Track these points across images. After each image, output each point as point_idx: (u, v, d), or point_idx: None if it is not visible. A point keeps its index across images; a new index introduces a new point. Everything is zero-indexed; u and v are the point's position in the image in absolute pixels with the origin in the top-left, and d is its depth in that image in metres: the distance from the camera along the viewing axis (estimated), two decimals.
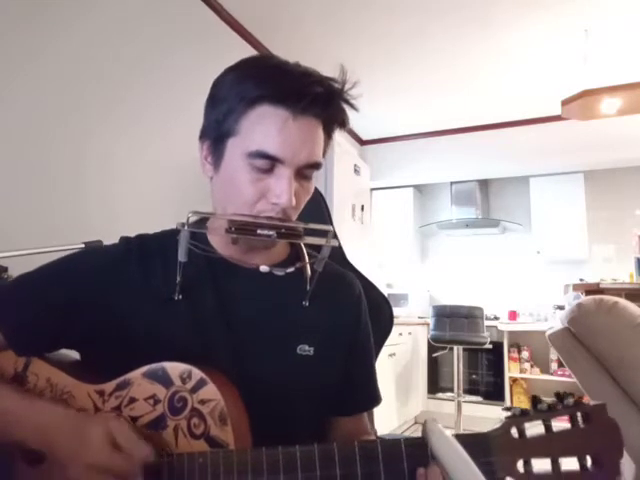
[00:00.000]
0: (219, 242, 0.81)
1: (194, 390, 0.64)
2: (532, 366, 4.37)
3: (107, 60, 2.12)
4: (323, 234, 0.72)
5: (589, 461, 0.57)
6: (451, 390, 4.21)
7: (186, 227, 0.68)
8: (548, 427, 0.59)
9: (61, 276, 0.75)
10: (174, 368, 0.66)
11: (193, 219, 0.70)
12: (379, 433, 1.05)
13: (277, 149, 0.69)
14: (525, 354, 4.40)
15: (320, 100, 0.70)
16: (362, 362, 0.87)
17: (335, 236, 0.73)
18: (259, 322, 0.77)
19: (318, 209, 1.12)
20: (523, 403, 4.26)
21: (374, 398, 0.88)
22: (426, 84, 3.76)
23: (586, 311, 1.55)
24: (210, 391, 0.64)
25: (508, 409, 0.60)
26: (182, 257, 0.71)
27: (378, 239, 4.89)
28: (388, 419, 3.56)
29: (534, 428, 0.59)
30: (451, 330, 4.06)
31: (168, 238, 0.79)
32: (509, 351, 4.36)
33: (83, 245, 1.07)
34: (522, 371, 4.35)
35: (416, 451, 0.60)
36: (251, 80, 0.71)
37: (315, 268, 0.78)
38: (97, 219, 1.98)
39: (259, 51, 3.13)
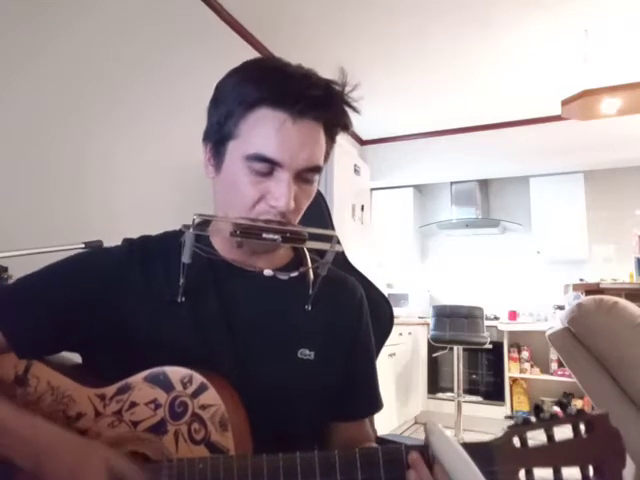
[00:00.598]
0: (222, 245, 0.81)
1: (195, 395, 0.64)
2: (532, 366, 4.37)
3: (107, 60, 2.12)
4: (327, 239, 0.71)
5: (591, 471, 0.57)
6: (451, 390, 4.21)
7: (191, 229, 0.68)
8: (550, 436, 0.58)
9: (63, 278, 0.75)
10: (175, 373, 0.66)
11: (198, 221, 0.70)
12: (379, 433, 1.05)
13: (275, 152, 0.69)
14: (525, 354, 4.40)
15: (319, 103, 0.70)
16: (363, 367, 0.87)
17: (338, 241, 0.73)
18: (261, 325, 0.76)
19: (318, 210, 1.12)
20: (523, 403, 4.26)
21: (375, 404, 0.88)
22: (426, 84, 3.75)
23: (586, 311, 1.55)
24: (211, 396, 0.63)
25: (510, 417, 0.60)
26: (186, 259, 0.71)
27: (378, 239, 4.89)
28: (388, 419, 3.56)
29: (536, 437, 0.59)
30: (451, 330, 4.06)
31: (170, 240, 0.79)
32: (509, 351, 4.36)
33: (83, 245, 1.07)
34: (522, 371, 4.35)
35: None
36: (250, 83, 0.71)
37: (319, 273, 0.78)
38: (97, 219, 1.98)
39: (259, 51, 3.13)
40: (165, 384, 0.66)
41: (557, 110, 3.16)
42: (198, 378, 0.64)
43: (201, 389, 0.64)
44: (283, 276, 0.75)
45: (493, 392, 4.33)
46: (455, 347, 4.09)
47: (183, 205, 2.25)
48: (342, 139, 0.80)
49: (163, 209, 2.27)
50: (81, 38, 2.00)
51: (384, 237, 5.03)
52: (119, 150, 2.15)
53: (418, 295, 5.07)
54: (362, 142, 4.91)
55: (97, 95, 2.06)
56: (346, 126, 0.77)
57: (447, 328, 4.08)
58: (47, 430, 0.63)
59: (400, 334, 3.94)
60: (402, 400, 3.96)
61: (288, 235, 0.70)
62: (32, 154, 1.80)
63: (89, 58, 2.04)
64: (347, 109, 0.75)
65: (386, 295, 1.16)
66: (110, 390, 0.69)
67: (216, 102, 0.75)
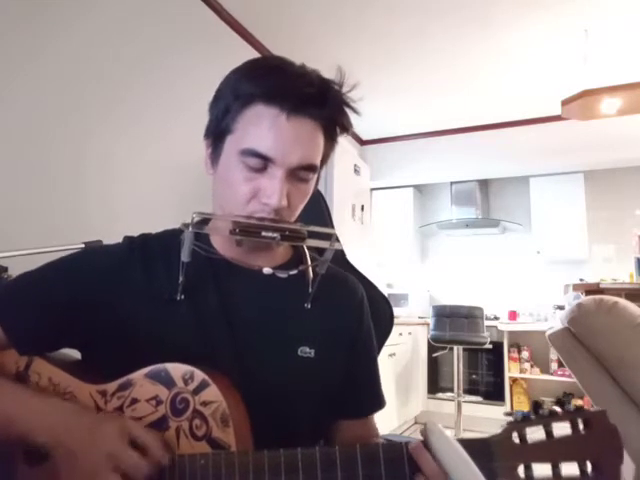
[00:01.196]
0: (221, 243, 0.81)
1: (196, 391, 0.64)
2: (532, 366, 4.37)
3: (107, 60, 2.12)
4: (326, 237, 0.71)
5: (589, 467, 0.57)
6: (451, 390, 4.21)
7: (190, 228, 0.68)
8: (549, 432, 0.59)
9: (64, 275, 0.75)
10: (176, 369, 0.66)
11: (197, 220, 0.70)
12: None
13: (268, 148, 0.69)
14: (525, 354, 4.40)
15: (314, 100, 0.70)
16: (365, 365, 0.87)
17: (337, 239, 0.73)
18: (261, 323, 0.77)
19: (318, 209, 1.12)
20: (523, 403, 4.26)
21: (377, 401, 0.88)
22: (426, 84, 3.76)
23: (586, 311, 1.55)
24: (212, 393, 0.64)
25: (509, 414, 0.60)
26: (185, 257, 0.71)
27: (378, 239, 4.89)
28: (388, 419, 3.55)
29: (535, 433, 0.59)
30: (451, 330, 4.06)
31: (170, 238, 0.79)
32: (509, 351, 4.36)
33: (83, 245, 1.07)
34: (522, 371, 4.35)
35: None
36: (247, 79, 0.71)
37: (318, 271, 0.78)
38: (97, 219, 1.98)
39: (259, 51, 3.14)
40: (166, 380, 0.66)
41: (557, 110, 3.17)
42: (199, 375, 0.64)
43: (202, 386, 0.64)
44: (282, 274, 0.75)
45: (493, 392, 4.33)
46: (455, 347, 4.09)
47: (183, 205, 2.24)
48: (342, 139, 0.80)
49: (163, 209, 2.27)
50: (81, 38, 2.00)
51: (384, 237, 5.03)
52: (119, 150, 2.16)
53: (418, 295, 5.07)
54: (362, 142, 4.91)
55: (97, 95, 2.06)
56: (345, 126, 0.76)
57: (447, 328, 4.08)
58: (63, 404, 0.67)
59: (400, 334, 3.94)
60: (402, 400, 3.96)
61: (287, 233, 0.70)
62: (32, 154, 1.80)
63: (89, 58, 2.04)
64: (346, 109, 0.75)
65: (386, 295, 1.16)
66: (111, 386, 0.69)
67: (216, 98, 0.75)
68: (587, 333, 1.57)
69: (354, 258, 1.15)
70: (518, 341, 4.47)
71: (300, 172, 0.72)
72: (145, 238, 0.81)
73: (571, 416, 0.59)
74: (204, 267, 0.77)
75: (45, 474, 0.67)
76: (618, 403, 1.49)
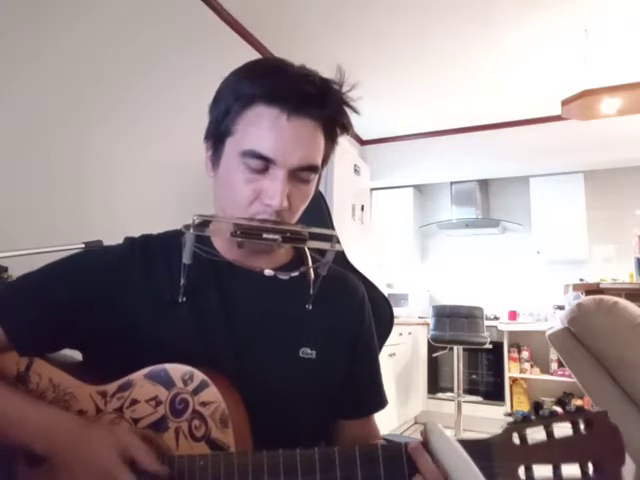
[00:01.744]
0: (222, 245, 0.81)
1: (196, 392, 0.64)
2: (532, 366, 4.36)
3: (107, 60, 2.12)
4: (327, 238, 0.71)
5: (590, 467, 0.57)
6: (451, 390, 4.21)
7: (191, 230, 0.68)
8: (550, 433, 0.58)
9: (65, 276, 0.75)
10: (176, 370, 0.66)
11: (198, 222, 0.70)
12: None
13: (269, 149, 0.68)
14: (525, 354, 4.40)
15: (314, 100, 0.70)
16: (366, 365, 0.87)
17: (338, 241, 0.73)
18: (262, 325, 0.77)
19: (318, 210, 1.12)
20: (523, 403, 4.26)
21: (379, 401, 0.87)
22: (426, 84, 3.75)
23: (586, 311, 1.55)
24: (211, 393, 0.64)
25: (510, 415, 0.60)
26: (187, 259, 0.71)
27: (378, 239, 4.89)
28: (388, 419, 3.55)
29: (536, 434, 0.59)
30: (451, 330, 4.06)
31: (171, 239, 0.79)
32: (509, 351, 4.36)
33: (83, 245, 1.07)
34: (522, 371, 4.35)
35: None
36: (247, 80, 0.71)
37: (319, 272, 0.78)
38: (97, 219, 1.98)
39: (259, 51, 3.13)
40: (166, 381, 0.66)
41: (557, 110, 3.16)
42: (199, 375, 0.64)
43: (202, 386, 0.64)
44: (284, 276, 0.75)
45: (493, 392, 4.33)
46: (455, 347, 4.09)
47: (183, 205, 2.25)
48: (342, 139, 0.80)
49: (163, 209, 2.28)
50: (81, 38, 2.00)
51: (384, 237, 5.03)
52: (119, 150, 2.16)
53: (418, 295, 5.07)
54: (362, 142, 4.91)
55: (97, 95, 2.06)
56: (345, 126, 0.76)
57: (447, 328, 4.08)
58: (59, 413, 0.67)
59: (400, 334, 3.94)
60: (402, 400, 3.96)
61: (288, 235, 0.70)
62: (32, 154, 1.80)
63: (89, 58, 2.04)
64: (347, 109, 0.75)
65: (386, 295, 1.16)
66: (111, 387, 0.69)
67: (216, 99, 0.75)
68: (587, 333, 1.57)
69: (354, 258, 1.15)
70: (518, 341, 4.47)
71: (301, 173, 0.72)
72: (146, 239, 0.81)
73: (572, 417, 0.59)
74: (205, 269, 0.77)
75: (44, 476, 0.67)
76: (618, 403, 1.49)
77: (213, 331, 0.74)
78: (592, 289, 2.65)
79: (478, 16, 2.89)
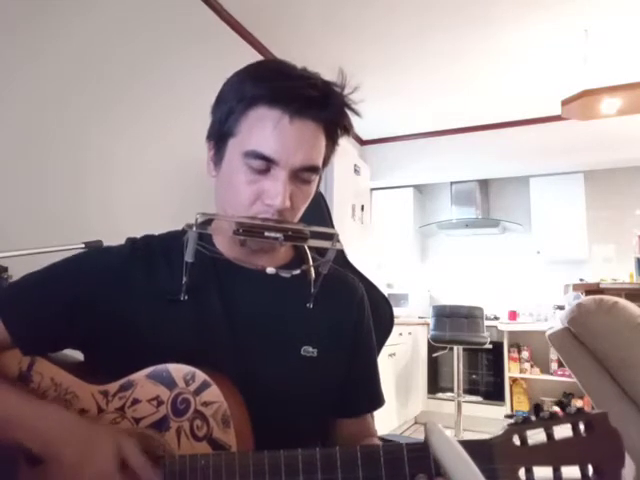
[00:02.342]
0: (224, 243, 0.81)
1: (197, 392, 0.64)
2: (532, 366, 4.37)
3: (107, 60, 2.12)
4: (328, 237, 0.72)
5: (590, 470, 0.57)
6: (451, 390, 4.21)
7: (194, 228, 0.69)
8: (550, 435, 0.58)
9: (67, 276, 0.75)
10: (178, 370, 0.66)
11: (201, 220, 0.70)
12: (379, 433, 1.05)
13: (271, 150, 0.69)
14: (525, 354, 4.40)
15: (317, 102, 0.70)
16: (365, 364, 0.88)
17: (338, 239, 0.73)
18: (263, 323, 0.77)
19: (318, 210, 1.12)
20: (523, 403, 4.26)
21: (377, 400, 0.88)
22: (426, 84, 3.76)
23: (586, 311, 1.55)
24: (213, 393, 0.64)
25: (510, 416, 0.60)
26: (189, 258, 0.71)
27: (378, 239, 4.89)
28: (388, 419, 3.56)
29: (536, 435, 0.59)
30: (451, 330, 4.06)
31: (173, 239, 0.80)
32: (509, 351, 4.36)
33: (83, 245, 1.07)
34: (522, 371, 4.35)
35: (419, 456, 0.59)
36: (250, 81, 0.72)
37: (320, 271, 0.78)
38: (97, 219, 1.98)
39: (259, 51, 3.13)
40: (168, 381, 0.66)
41: (557, 110, 3.17)
42: (201, 375, 0.64)
43: (203, 386, 0.64)
44: (285, 274, 0.75)
45: (493, 392, 4.33)
46: (455, 347, 4.09)
47: (183, 205, 2.25)
48: (342, 139, 0.81)
49: (163, 209, 2.28)
50: (81, 38, 2.00)
51: (384, 237, 5.03)
52: (119, 150, 2.16)
53: (418, 295, 5.07)
54: (362, 142, 4.91)
55: (97, 95, 2.06)
56: (346, 128, 0.77)
57: (447, 328, 4.08)
58: (57, 417, 0.65)
59: (400, 334, 3.94)
60: (402, 400, 3.96)
61: (290, 234, 0.70)
62: (32, 154, 1.80)
63: (89, 58, 2.04)
64: (347, 111, 0.75)
65: (386, 295, 1.16)
66: (113, 387, 0.69)
67: (219, 100, 0.76)
68: (587, 333, 1.57)
69: (354, 258, 1.15)
70: (518, 341, 4.47)
71: (303, 173, 0.73)
72: (148, 240, 0.82)
73: (572, 418, 0.59)
74: (207, 267, 0.77)
75: (42, 476, 0.68)
76: (618, 403, 1.49)
77: (214, 329, 0.74)
78: (592, 289, 2.65)
79: (478, 16, 2.89)
